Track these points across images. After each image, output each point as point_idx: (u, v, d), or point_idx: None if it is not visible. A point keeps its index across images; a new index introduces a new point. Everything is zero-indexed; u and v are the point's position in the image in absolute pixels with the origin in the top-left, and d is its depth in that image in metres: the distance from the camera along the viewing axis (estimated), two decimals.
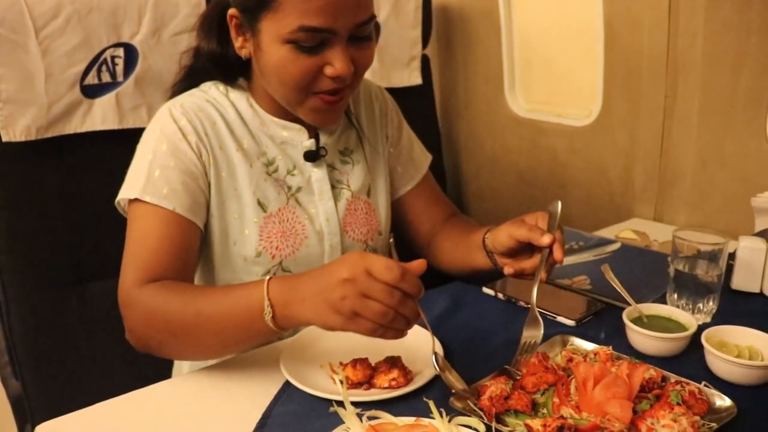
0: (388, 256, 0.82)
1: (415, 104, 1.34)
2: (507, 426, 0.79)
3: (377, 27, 1.15)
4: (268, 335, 0.89)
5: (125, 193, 1.03)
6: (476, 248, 1.13)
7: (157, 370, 1.32)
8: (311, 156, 1.13)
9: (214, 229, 1.09)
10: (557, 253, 1.00)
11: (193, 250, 1.04)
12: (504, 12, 1.85)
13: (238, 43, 1.04)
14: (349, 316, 0.78)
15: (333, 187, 1.15)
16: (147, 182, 1.00)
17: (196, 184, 1.04)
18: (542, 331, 0.95)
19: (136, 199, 1.00)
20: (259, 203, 1.09)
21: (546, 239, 1.00)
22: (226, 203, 1.07)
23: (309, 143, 1.12)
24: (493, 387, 0.84)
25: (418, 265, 0.80)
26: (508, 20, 1.87)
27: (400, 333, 0.81)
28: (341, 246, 1.14)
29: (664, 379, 0.87)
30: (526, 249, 1.05)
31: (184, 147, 1.04)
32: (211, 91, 1.12)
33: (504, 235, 1.05)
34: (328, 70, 0.98)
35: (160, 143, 1.04)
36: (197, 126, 1.06)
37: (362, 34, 1.00)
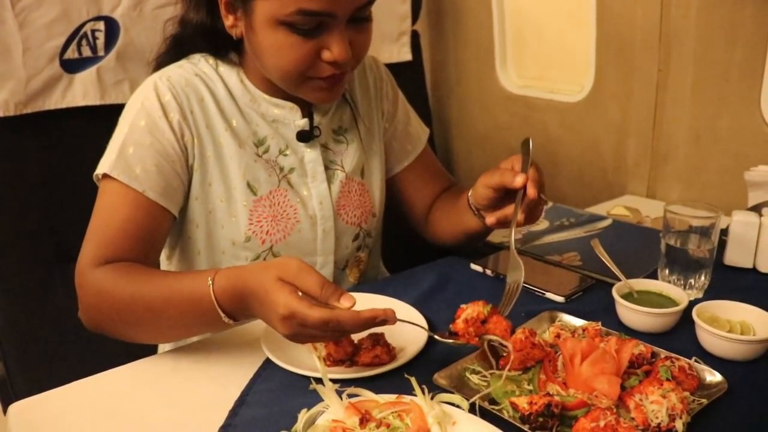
0: None
1: (405, 81, 1.31)
2: (497, 403, 0.77)
3: None
4: (227, 327, 0.88)
5: (99, 167, 0.98)
6: (464, 210, 1.11)
7: (143, 348, 1.31)
8: (305, 136, 1.08)
9: (198, 212, 1.05)
10: (530, 190, 0.96)
11: (160, 235, 0.99)
12: None
13: (228, 21, 0.99)
14: (303, 342, 0.80)
15: (326, 168, 1.10)
16: (119, 158, 0.96)
17: (172, 168, 0.99)
18: (523, 273, 0.93)
19: (107, 175, 0.96)
20: (249, 186, 1.04)
21: (518, 179, 0.97)
22: (213, 185, 1.03)
23: (302, 122, 1.08)
24: (470, 309, 0.83)
25: (349, 313, 0.76)
26: None
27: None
28: (334, 230, 1.10)
29: (653, 354, 0.85)
30: (507, 197, 1.02)
31: (163, 126, 0.99)
32: (200, 63, 1.06)
33: (480, 187, 1.03)
34: (326, 55, 0.95)
35: (138, 118, 0.99)
36: (183, 102, 1.01)
37: (361, 15, 0.96)
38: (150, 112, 0.99)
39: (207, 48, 1.07)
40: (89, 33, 1.31)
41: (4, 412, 1.47)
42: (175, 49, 1.09)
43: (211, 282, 0.83)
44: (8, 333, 1.32)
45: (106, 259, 0.93)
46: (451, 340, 0.84)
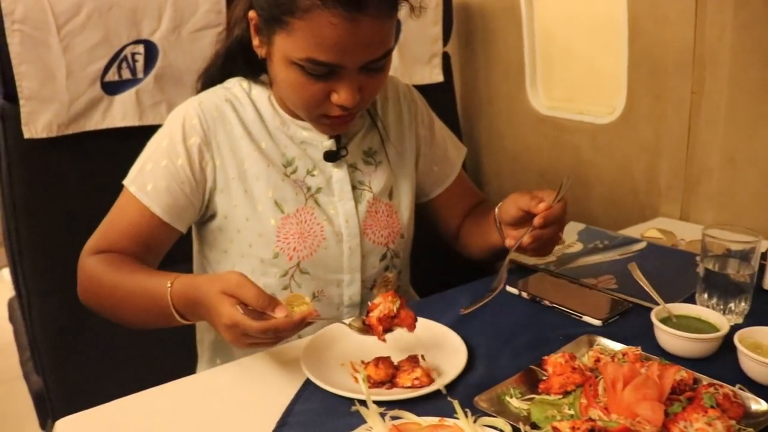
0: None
1: (436, 102, 1.32)
2: (538, 428, 0.77)
3: (397, 25, 1.14)
4: (187, 324, 0.97)
5: (126, 178, 1.08)
6: (491, 226, 1.13)
7: (179, 365, 1.32)
8: (331, 156, 1.11)
9: (226, 230, 1.09)
10: (537, 219, 1.00)
11: (159, 246, 1.07)
12: (525, 7, 1.82)
13: (255, 41, 1.04)
14: (244, 347, 0.87)
15: (354, 188, 1.13)
16: (138, 174, 1.06)
17: (181, 189, 1.05)
18: (501, 287, 1.02)
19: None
20: (276, 204, 1.07)
21: (541, 206, 1.00)
22: (238, 207, 1.07)
23: (329, 143, 1.11)
24: (381, 306, 0.90)
25: (283, 320, 0.83)
26: (530, 15, 1.84)
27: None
28: (360, 248, 1.12)
29: (695, 381, 0.84)
30: (529, 222, 1.04)
31: (180, 149, 1.05)
32: (234, 88, 1.11)
33: (510, 203, 1.06)
34: (334, 98, 0.98)
35: (162, 138, 1.07)
36: (208, 127, 1.06)
37: (374, 66, 0.98)
38: (172, 135, 1.06)
39: (244, 63, 1.11)
40: (129, 56, 1.34)
41: (43, 425, 1.51)
42: (219, 64, 1.14)
43: (169, 285, 0.92)
44: (47, 346, 1.35)
45: (103, 250, 1.04)
46: (362, 334, 0.92)
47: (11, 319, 2.05)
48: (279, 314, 0.82)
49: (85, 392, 1.38)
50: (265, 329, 0.81)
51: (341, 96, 0.97)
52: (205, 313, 0.88)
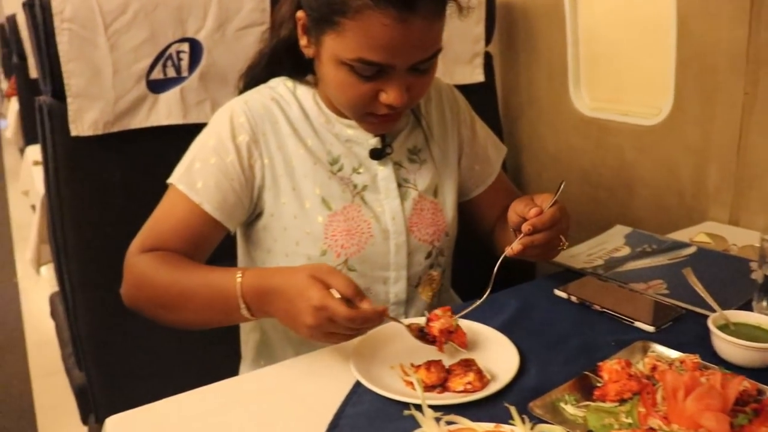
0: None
1: (478, 102, 1.30)
2: None
3: None
4: (246, 320, 0.96)
5: (171, 176, 1.07)
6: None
7: (220, 364, 1.32)
8: (377, 154, 1.11)
9: (271, 229, 1.09)
10: (524, 225, 0.99)
11: (207, 244, 1.06)
12: (569, 6, 1.79)
13: (303, 41, 1.03)
14: (319, 337, 0.86)
15: (399, 185, 1.12)
16: (186, 172, 1.05)
17: (230, 186, 1.04)
18: (484, 298, 1.00)
19: (173, 183, 1.05)
20: (324, 201, 1.07)
21: (531, 212, 0.99)
22: (286, 204, 1.07)
23: (375, 141, 1.11)
24: (443, 320, 0.91)
25: (372, 311, 0.85)
26: (574, 15, 1.81)
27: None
28: (407, 246, 1.12)
29: (760, 392, 0.81)
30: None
31: (229, 146, 1.04)
32: (279, 87, 1.11)
33: (511, 208, 1.05)
34: (382, 97, 0.98)
35: (209, 137, 1.07)
36: (255, 125, 1.06)
37: (423, 67, 0.98)
38: (220, 133, 1.06)
39: (290, 63, 1.10)
40: (174, 54, 1.35)
41: (84, 419, 1.52)
42: (263, 64, 1.13)
43: (240, 276, 0.91)
44: (90, 342, 1.36)
45: (152, 248, 1.02)
46: (417, 338, 0.92)
47: (53, 314, 2.08)
48: (365, 306, 0.83)
49: (127, 388, 1.39)
50: (353, 317, 0.82)
51: (390, 96, 0.97)
52: (283, 302, 0.87)
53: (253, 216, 1.11)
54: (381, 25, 0.89)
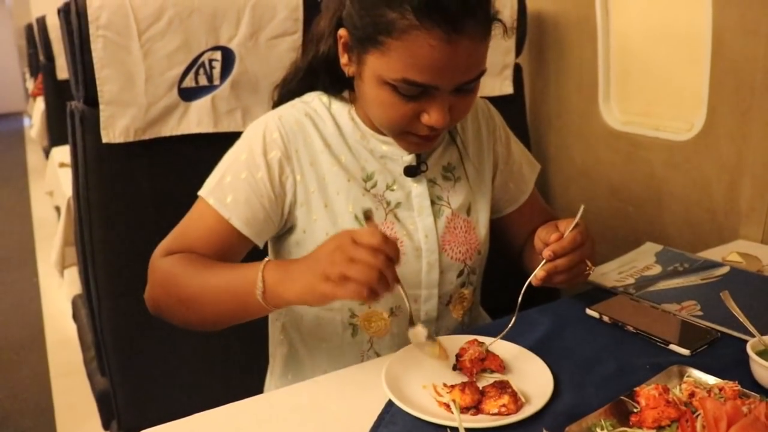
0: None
1: (506, 113, 1.29)
2: None
3: None
4: (258, 311, 0.95)
5: (202, 189, 1.07)
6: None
7: (245, 374, 1.32)
8: (411, 171, 1.10)
9: (303, 245, 1.08)
10: (545, 251, 0.98)
11: (235, 255, 1.06)
12: (601, 19, 1.78)
13: (343, 59, 1.02)
14: (339, 281, 0.83)
15: (433, 203, 1.11)
16: (216, 185, 1.05)
17: (260, 202, 1.04)
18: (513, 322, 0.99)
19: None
20: (357, 218, 1.06)
21: (552, 238, 0.99)
22: (318, 221, 1.06)
23: (410, 158, 1.10)
24: (471, 350, 0.92)
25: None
26: (605, 28, 1.79)
27: (380, 295, 0.86)
28: (439, 264, 1.11)
29: None
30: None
31: (260, 162, 1.04)
32: (313, 102, 1.10)
33: (536, 239, 1.04)
34: (424, 118, 0.96)
35: (241, 151, 1.06)
36: (288, 141, 1.05)
37: (466, 88, 0.97)
38: (252, 148, 1.05)
39: (326, 80, 1.09)
40: (206, 62, 1.35)
41: (106, 425, 1.52)
42: (299, 77, 1.12)
43: (266, 260, 0.93)
44: (114, 348, 1.36)
45: (177, 251, 1.03)
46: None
47: (75, 317, 2.09)
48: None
49: (150, 396, 1.39)
50: (373, 232, 0.84)
51: (432, 117, 0.95)
52: (303, 263, 0.89)
53: (283, 231, 1.11)
54: (427, 46, 0.88)
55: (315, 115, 1.09)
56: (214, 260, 1.02)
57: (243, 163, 1.05)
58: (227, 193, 1.03)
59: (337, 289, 0.83)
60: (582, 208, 1.01)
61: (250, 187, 1.03)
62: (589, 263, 1.02)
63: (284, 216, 1.08)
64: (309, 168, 1.06)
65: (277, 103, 1.13)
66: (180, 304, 1.01)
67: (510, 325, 0.99)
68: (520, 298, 0.99)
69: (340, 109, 1.10)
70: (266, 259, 0.93)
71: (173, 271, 1.01)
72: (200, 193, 1.06)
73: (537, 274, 0.98)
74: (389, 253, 0.84)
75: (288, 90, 1.13)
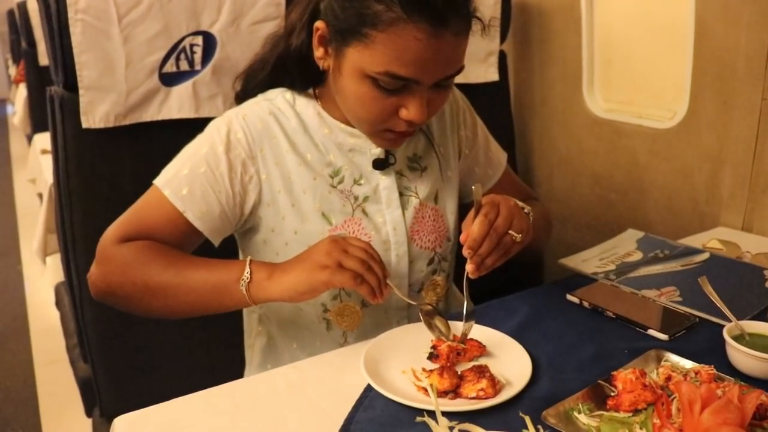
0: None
1: (491, 101, 1.29)
2: None
3: None
4: (231, 305, 0.97)
5: (158, 178, 1.04)
6: None
7: (225, 360, 1.32)
8: (380, 164, 1.09)
9: (271, 243, 1.07)
10: (463, 250, 0.95)
11: (189, 246, 1.05)
12: (585, 7, 1.78)
13: (318, 52, 1.00)
14: (334, 268, 0.89)
15: (401, 194, 1.11)
16: (173, 177, 1.03)
17: (217, 198, 1.02)
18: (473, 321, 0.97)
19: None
20: (324, 216, 1.06)
21: (462, 237, 0.95)
22: (285, 219, 1.05)
23: (378, 151, 1.09)
24: (445, 345, 0.93)
25: None
26: (590, 15, 1.79)
27: (373, 292, 0.92)
28: (408, 255, 1.10)
29: None
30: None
31: (222, 158, 1.03)
32: (277, 100, 1.09)
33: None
34: (403, 113, 0.96)
35: (202, 146, 1.05)
36: (253, 141, 1.04)
37: (445, 83, 0.97)
38: (213, 143, 1.04)
39: (298, 74, 1.07)
40: (188, 47, 1.33)
41: (89, 412, 1.52)
42: (267, 70, 1.10)
43: (250, 258, 0.96)
44: (96, 337, 1.35)
45: (135, 238, 1.01)
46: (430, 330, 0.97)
47: (58, 304, 2.08)
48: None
49: (132, 382, 1.39)
50: (364, 243, 0.93)
51: (411, 112, 0.95)
52: (296, 260, 0.93)
53: (242, 230, 1.10)
54: (413, 39, 0.88)
55: (279, 114, 1.07)
56: (180, 251, 1.01)
57: (203, 157, 1.03)
58: (183, 185, 1.02)
59: (333, 276, 0.89)
60: (475, 187, 0.96)
61: (208, 182, 1.02)
62: (513, 233, 0.96)
63: (243, 215, 1.06)
64: (274, 168, 1.05)
65: (240, 97, 1.12)
66: (145, 292, 0.99)
67: (465, 315, 0.96)
68: (465, 291, 0.97)
69: (305, 105, 1.08)
70: (249, 258, 0.96)
71: (139, 258, 0.99)
72: (156, 182, 1.04)
73: (468, 269, 0.95)
74: (375, 257, 0.93)
75: (257, 84, 1.11)
